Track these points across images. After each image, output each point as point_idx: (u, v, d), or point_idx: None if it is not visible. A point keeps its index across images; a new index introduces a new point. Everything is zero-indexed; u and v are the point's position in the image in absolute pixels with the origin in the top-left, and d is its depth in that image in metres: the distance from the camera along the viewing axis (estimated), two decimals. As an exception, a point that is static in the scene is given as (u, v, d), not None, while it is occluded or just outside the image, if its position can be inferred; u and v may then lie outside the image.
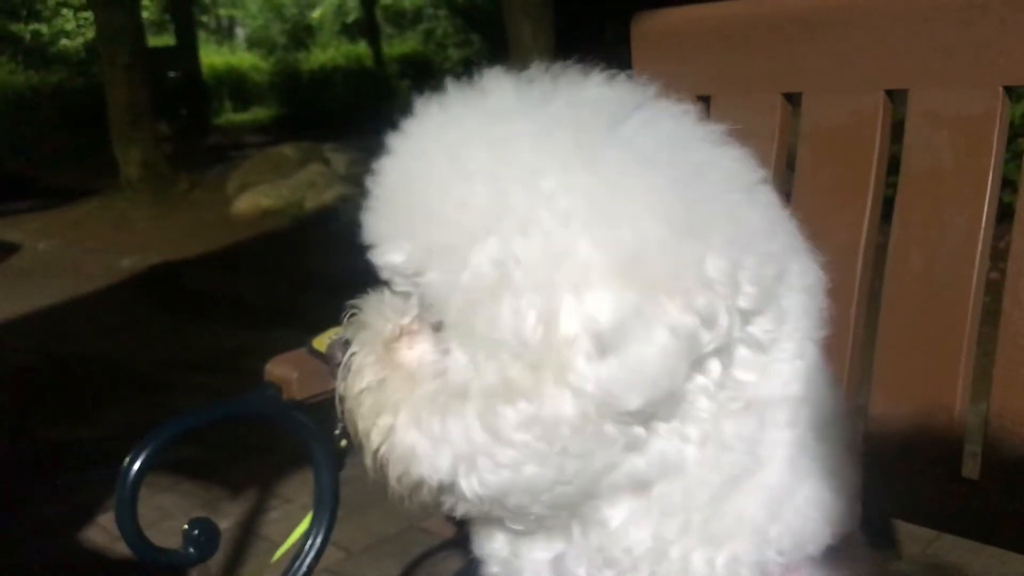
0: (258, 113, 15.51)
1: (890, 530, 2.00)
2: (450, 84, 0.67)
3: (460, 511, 0.66)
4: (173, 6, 15.10)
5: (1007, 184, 0.99)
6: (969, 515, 0.95)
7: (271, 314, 4.60)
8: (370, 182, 0.68)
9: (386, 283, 0.70)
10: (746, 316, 0.60)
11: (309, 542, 1.10)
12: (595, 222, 0.58)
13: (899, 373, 0.99)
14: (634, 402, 0.58)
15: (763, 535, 0.63)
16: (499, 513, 0.65)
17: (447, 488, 0.64)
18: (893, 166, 1.01)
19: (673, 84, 0.67)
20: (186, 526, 1.01)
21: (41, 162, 10.97)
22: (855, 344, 1.03)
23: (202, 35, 18.00)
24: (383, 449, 0.66)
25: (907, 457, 0.99)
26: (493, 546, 0.72)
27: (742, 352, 0.62)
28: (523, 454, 0.60)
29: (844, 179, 1.03)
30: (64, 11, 16.45)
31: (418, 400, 0.65)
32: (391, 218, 0.66)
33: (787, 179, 1.11)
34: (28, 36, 15.96)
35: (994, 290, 0.94)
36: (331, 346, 0.75)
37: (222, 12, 21.50)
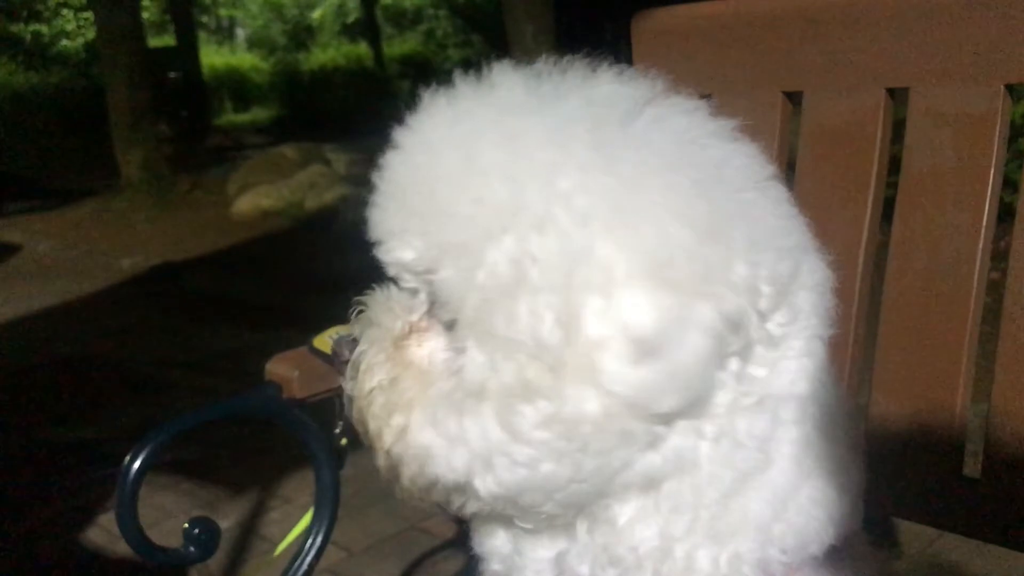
0: (258, 114, 15.51)
1: (891, 529, 2.00)
2: (458, 78, 0.66)
3: (469, 510, 0.65)
4: (173, 7, 15.09)
5: (1008, 183, 0.99)
6: (970, 514, 0.94)
7: (271, 315, 4.60)
8: (376, 177, 0.67)
9: (393, 280, 0.69)
10: (763, 314, 0.61)
11: (309, 541, 1.10)
12: (616, 223, 0.57)
13: (899, 372, 0.99)
14: (668, 404, 0.58)
15: (767, 533, 0.63)
16: (510, 512, 0.65)
17: (461, 487, 0.63)
18: (894, 165, 1.01)
19: (674, 82, 0.67)
20: (186, 525, 1.01)
21: (41, 163, 10.97)
22: (856, 344, 1.03)
23: (202, 36, 18.00)
24: (397, 449, 0.65)
25: (908, 456, 0.99)
26: (494, 543, 0.72)
27: (757, 348, 0.62)
28: (540, 452, 0.59)
29: (845, 178, 1.03)
30: (64, 12, 16.47)
31: (432, 399, 0.64)
32: (400, 214, 0.65)
33: (787, 178, 1.11)
34: (28, 37, 15.99)
35: (994, 290, 0.94)
36: (337, 343, 0.73)
37: (222, 13, 21.50)
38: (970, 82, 0.93)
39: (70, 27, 16.32)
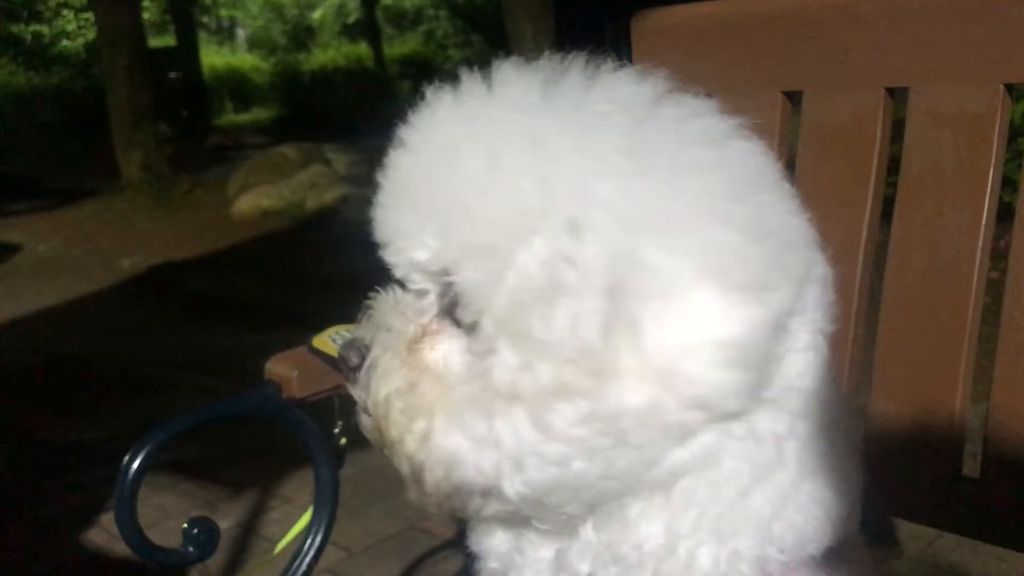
0: (259, 114, 15.51)
1: (891, 529, 2.00)
2: (463, 75, 0.66)
3: (489, 512, 0.65)
4: (173, 7, 15.11)
5: (1007, 183, 0.99)
6: (970, 514, 0.94)
7: (272, 315, 4.60)
8: (381, 177, 0.66)
9: (398, 281, 0.68)
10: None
11: (309, 541, 1.10)
12: (659, 228, 0.57)
13: (899, 372, 0.98)
14: (737, 403, 0.58)
15: (766, 531, 0.63)
16: (531, 513, 0.64)
17: (488, 490, 0.62)
18: (894, 165, 1.01)
19: (674, 82, 0.67)
20: (186, 525, 1.01)
21: (42, 163, 10.97)
22: (855, 343, 1.03)
23: (203, 36, 18.01)
24: (420, 454, 0.64)
25: (907, 456, 0.98)
26: (492, 542, 0.71)
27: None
28: (574, 449, 0.59)
29: (845, 177, 1.03)
30: (65, 12, 16.48)
31: (456, 402, 0.63)
32: (412, 214, 0.64)
33: (787, 178, 1.11)
34: (29, 37, 15.99)
35: (994, 290, 0.94)
36: (344, 349, 0.71)
37: (223, 13, 21.49)
38: (970, 82, 0.93)
39: (71, 27, 16.33)
